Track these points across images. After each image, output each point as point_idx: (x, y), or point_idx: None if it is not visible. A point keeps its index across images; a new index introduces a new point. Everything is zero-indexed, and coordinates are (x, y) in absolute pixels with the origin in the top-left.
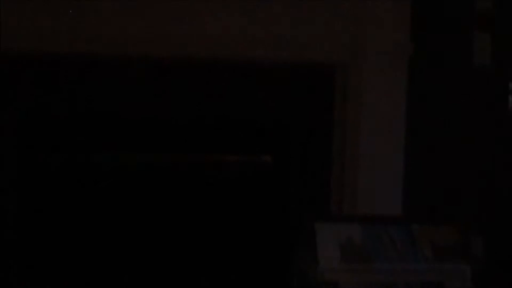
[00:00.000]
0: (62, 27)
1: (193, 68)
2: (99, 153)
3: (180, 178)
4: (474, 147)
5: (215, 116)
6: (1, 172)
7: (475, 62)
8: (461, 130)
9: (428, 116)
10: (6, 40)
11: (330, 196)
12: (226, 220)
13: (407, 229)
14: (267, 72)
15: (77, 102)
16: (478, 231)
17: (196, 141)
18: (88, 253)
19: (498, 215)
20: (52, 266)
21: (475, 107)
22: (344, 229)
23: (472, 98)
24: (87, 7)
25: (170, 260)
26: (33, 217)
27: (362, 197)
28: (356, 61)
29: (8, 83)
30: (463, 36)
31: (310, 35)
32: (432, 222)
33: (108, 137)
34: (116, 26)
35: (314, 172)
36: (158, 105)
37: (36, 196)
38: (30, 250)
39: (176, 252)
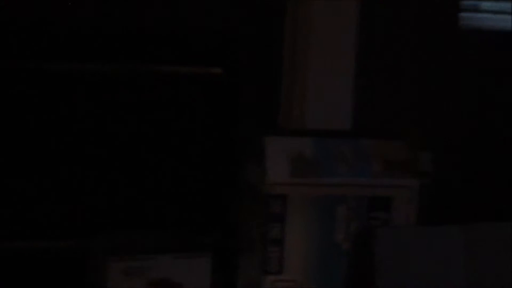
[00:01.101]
0: None
1: None
2: (47, 62)
3: (128, 88)
4: (424, 63)
5: (163, 26)
6: None
7: None
8: (411, 47)
9: (378, 32)
10: None
11: (280, 109)
12: (176, 132)
13: (358, 144)
14: None
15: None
16: (427, 146)
17: (146, 51)
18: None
19: (446, 131)
20: None
21: (425, 24)
22: (294, 143)
23: (422, 15)
24: None
25: (115, 174)
26: None
27: (311, 110)
28: None
29: None
30: None
31: None
32: (382, 137)
33: (53, 45)
34: None
35: (265, 86)
36: (105, 13)
37: None
38: None
39: (122, 165)
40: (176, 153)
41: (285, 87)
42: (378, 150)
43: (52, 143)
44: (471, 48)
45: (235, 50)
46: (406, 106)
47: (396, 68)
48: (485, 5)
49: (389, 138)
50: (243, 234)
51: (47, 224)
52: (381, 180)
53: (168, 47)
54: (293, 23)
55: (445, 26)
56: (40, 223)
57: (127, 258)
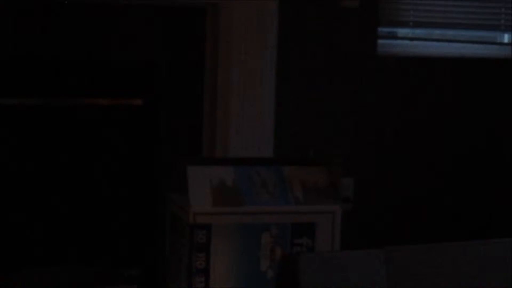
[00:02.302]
0: None
1: (62, 7)
2: None
3: (50, 121)
4: (343, 90)
5: (85, 58)
6: None
7: (343, 5)
8: (330, 72)
9: (298, 57)
10: None
11: (203, 139)
12: (97, 165)
13: (278, 171)
14: (139, 12)
15: None
16: (347, 172)
17: (67, 83)
18: None
19: (366, 157)
20: None
21: (345, 51)
22: (216, 171)
23: (340, 40)
24: None
25: (37, 209)
26: None
27: (233, 139)
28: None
29: None
30: None
31: None
32: (302, 163)
33: None
34: None
35: (186, 116)
36: (26, 45)
37: None
38: None
39: (44, 200)
40: (98, 186)
41: (207, 116)
42: (298, 177)
43: None
44: (388, 73)
45: (155, 81)
46: (326, 132)
47: (315, 95)
48: (402, 32)
49: (309, 164)
50: (168, 264)
51: None
52: (303, 206)
53: (88, 79)
54: (213, 53)
55: (363, 53)
56: None
57: None
